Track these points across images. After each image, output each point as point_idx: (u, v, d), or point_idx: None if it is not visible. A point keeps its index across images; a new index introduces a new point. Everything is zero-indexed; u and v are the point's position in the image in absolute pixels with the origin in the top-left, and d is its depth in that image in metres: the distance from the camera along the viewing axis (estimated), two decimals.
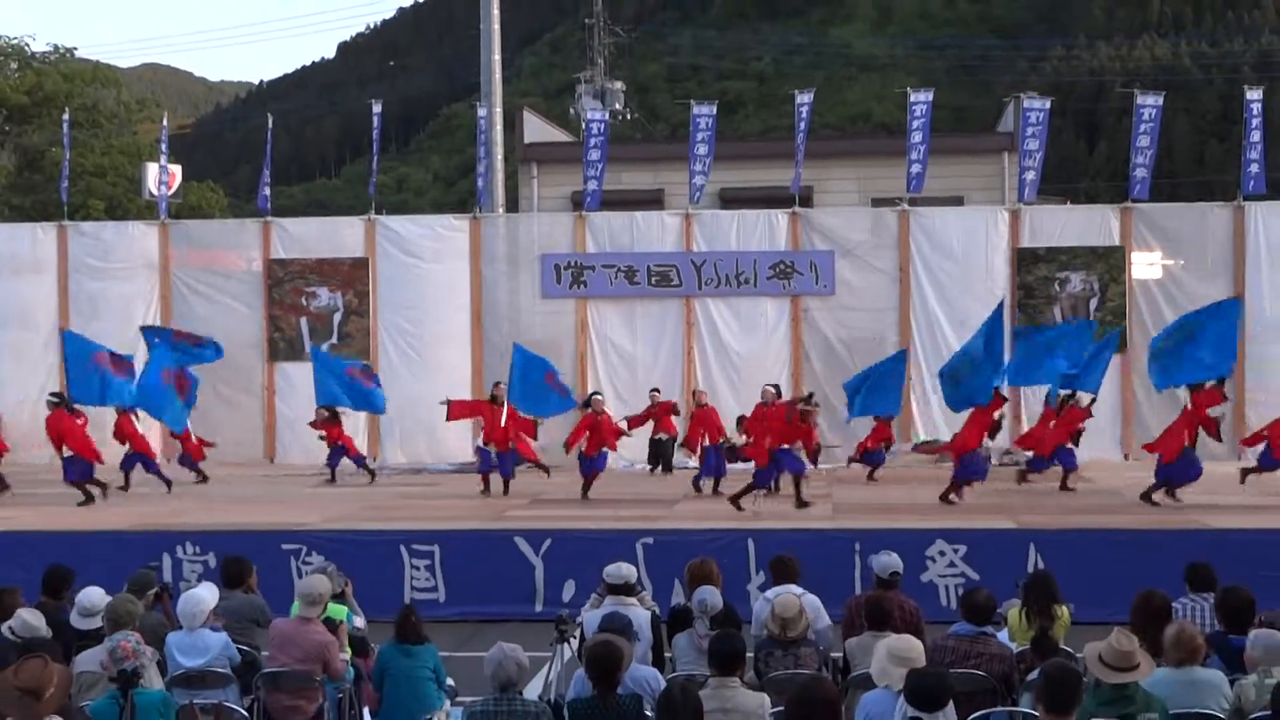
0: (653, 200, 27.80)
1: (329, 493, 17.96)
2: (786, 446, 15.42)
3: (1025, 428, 19.88)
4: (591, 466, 16.81)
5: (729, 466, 17.49)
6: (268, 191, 23.49)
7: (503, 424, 17.11)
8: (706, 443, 17.64)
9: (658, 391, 20.02)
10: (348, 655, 8.48)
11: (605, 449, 17.00)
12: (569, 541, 13.40)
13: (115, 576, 9.06)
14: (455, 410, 17.88)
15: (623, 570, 8.67)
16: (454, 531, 13.93)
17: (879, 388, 18.03)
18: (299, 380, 22.29)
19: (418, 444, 22.41)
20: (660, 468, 19.97)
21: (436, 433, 21.90)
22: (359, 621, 9.10)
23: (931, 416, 21.50)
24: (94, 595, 8.33)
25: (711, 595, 8.16)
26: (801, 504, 15.17)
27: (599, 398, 17.87)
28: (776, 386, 17.96)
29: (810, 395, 18.05)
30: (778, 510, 15.10)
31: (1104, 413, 21.00)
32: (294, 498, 17.36)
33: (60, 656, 7.39)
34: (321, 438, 19.44)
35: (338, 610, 8.61)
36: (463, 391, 20.81)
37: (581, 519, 14.65)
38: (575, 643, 8.33)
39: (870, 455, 18.63)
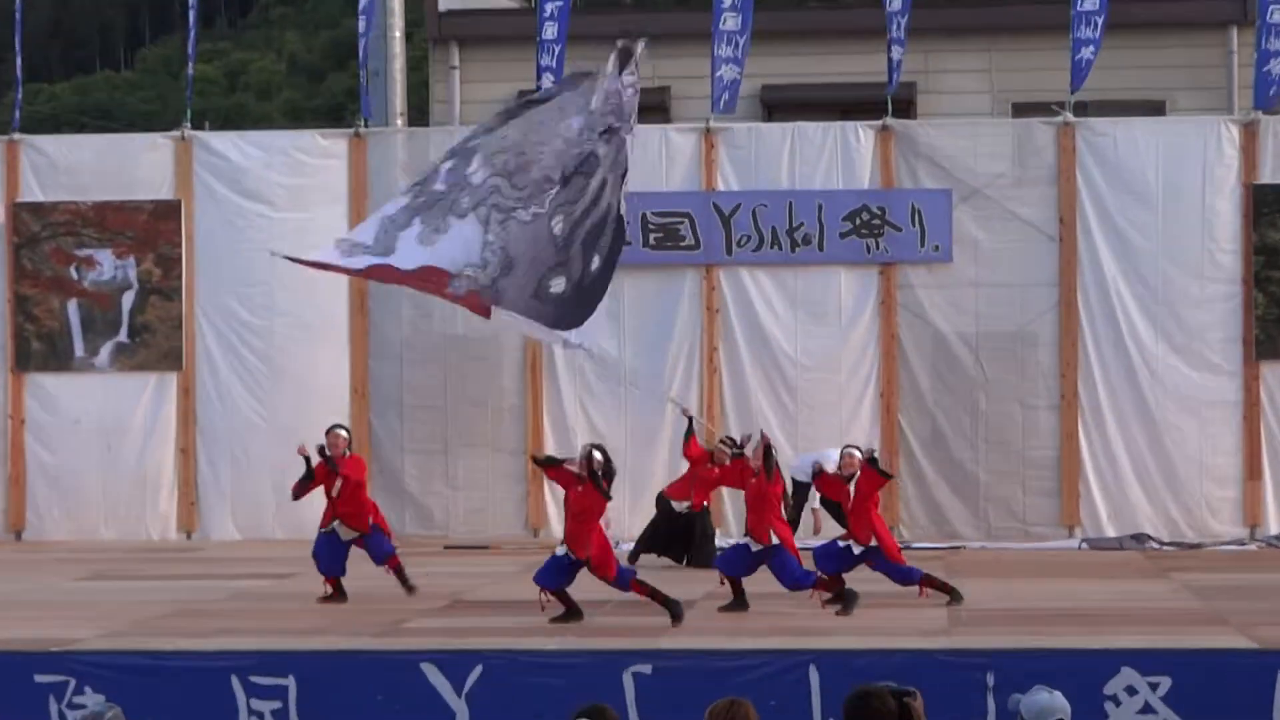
0: (652, 106, 27.80)
1: (112, 589, 17.94)
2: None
3: None
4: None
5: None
6: (19, 94, 23.54)
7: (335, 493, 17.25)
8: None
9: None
10: None
11: None
12: (512, 671, 13.38)
13: None
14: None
15: None
16: (320, 654, 13.97)
17: None
18: (65, 402, 22.29)
19: (261, 509, 22.24)
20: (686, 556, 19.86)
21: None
22: None
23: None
24: None
25: None
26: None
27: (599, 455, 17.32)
28: (868, 451, 17.60)
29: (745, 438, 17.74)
30: (849, 623, 15.20)
31: None
32: (57, 597, 17.40)
33: None
34: None
35: None
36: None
37: (531, 632, 14.71)
38: None
39: None
